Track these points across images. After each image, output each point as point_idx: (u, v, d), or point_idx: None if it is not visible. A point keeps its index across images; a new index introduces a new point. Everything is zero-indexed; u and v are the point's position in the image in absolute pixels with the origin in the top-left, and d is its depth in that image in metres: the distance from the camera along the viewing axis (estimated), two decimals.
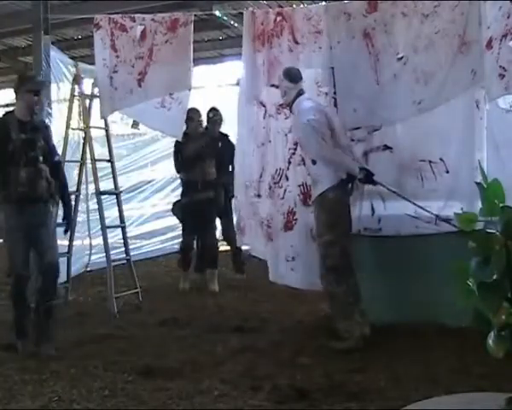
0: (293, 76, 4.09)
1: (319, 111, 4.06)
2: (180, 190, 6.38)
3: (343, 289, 3.88)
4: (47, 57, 5.72)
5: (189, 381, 3.35)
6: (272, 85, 4.56)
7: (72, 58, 7.05)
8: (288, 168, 4.47)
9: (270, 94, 4.58)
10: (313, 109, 4.04)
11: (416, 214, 4.15)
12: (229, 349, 3.92)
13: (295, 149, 4.41)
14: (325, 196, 3.94)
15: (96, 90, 5.35)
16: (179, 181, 6.59)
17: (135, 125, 6.43)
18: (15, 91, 4.07)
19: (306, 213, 4.30)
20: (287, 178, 4.47)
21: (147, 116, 5.43)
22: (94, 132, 5.56)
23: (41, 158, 3.94)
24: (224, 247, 6.72)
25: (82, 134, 5.54)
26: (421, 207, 4.02)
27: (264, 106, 4.61)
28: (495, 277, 1.19)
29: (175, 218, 6.48)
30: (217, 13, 7.07)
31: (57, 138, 5.71)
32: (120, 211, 5.59)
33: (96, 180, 5.34)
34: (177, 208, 6.15)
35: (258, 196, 4.62)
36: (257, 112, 4.64)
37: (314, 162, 3.99)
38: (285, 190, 4.48)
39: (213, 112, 6.41)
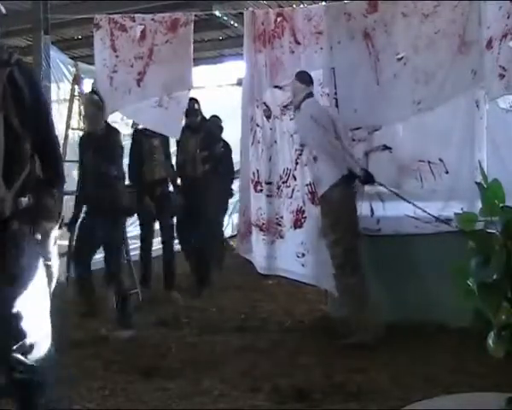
0: (303, 78, 4.20)
1: (324, 111, 4.18)
2: None
3: (354, 286, 3.91)
4: (47, 57, 5.69)
5: (189, 381, 3.35)
6: (276, 87, 4.58)
7: (72, 58, 7.04)
8: (295, 168, 4.50)
9: (274, 95, 4.59)
10: (317, 108, 4.17)
11: (415, 215, 4.16)
12: (229, 349, 3.93)
13: (302, 151, 4.44)
14: (326, 196, 3.98)
15: None
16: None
17: (135, 125, 6.41)
18: None
19: (315, 210, 4.33)
20: (294, 178, 4.51)
21: (144, 116, 5.41)
22: None
23: None
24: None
25: None
26: (420, 208, 4.03)
27: (268, 107, 4.62)
28: (495, 277, 1.19)
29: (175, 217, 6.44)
30: (217, 13, 7.06)
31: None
32: None
33: None
34: None
35: (269, 196, 4.64)
36: (262, 114, 4.65)
37: (315, 159, 4.02)
38: (293, 190, 4.52)
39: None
